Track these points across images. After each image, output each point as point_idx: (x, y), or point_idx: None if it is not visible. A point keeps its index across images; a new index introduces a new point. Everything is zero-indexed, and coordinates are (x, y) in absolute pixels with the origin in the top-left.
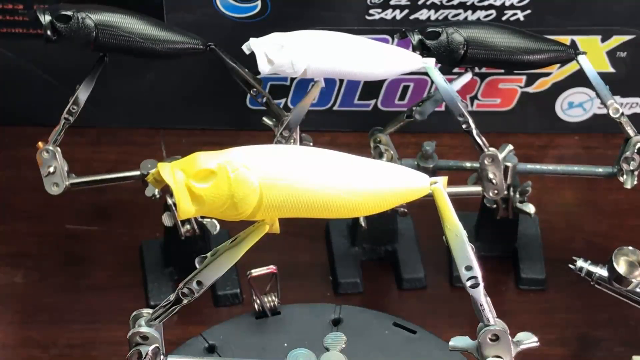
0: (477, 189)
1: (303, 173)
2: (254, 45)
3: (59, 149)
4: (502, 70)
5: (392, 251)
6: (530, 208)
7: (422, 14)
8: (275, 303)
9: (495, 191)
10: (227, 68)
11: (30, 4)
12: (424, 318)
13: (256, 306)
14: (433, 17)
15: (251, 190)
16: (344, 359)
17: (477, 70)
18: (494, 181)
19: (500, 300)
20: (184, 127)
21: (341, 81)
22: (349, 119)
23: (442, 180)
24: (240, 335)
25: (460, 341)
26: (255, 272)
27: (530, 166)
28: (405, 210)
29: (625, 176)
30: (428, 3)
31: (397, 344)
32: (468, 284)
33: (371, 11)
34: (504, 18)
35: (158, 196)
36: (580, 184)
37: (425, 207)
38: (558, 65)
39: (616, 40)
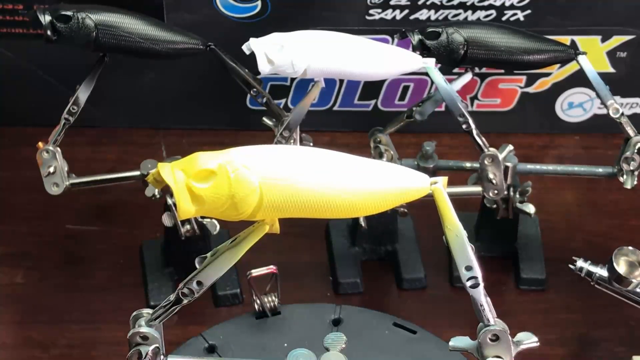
0: (477, 189)
1: (303, 173)
2: (254, 45)
3: (59, 149)
4: (502, 71)
5: (392, 251)
6: (530, 208)
7: (422, 14)
8: (275, 303)
9: (495, 191)
10: (227, 68)
11: (30, 4)
12: (424, 318)
13: (256, 306)
14: (433, 17)
15: (251, 190)
16: (344, 359)
17: (477, 70)
18: (494, 181)
19: (500, 300)
20: (184, 127)
21: (341, 81)
22: (349, 119)
23: (442, 180)
24: (240, 335)
25: (460, 341)
26: (255, 272)
27: (530, 166)
28: (405, 210)
29: (625, 176)
30: (428, 3)
31: (397, 344)
32: (468, 284)
33: (371, 11)
34: (504, 18)
35: (158, 196)
36: (580, 184)
37: (425, 207)
38: (558, 65)
39: (616, 40)
